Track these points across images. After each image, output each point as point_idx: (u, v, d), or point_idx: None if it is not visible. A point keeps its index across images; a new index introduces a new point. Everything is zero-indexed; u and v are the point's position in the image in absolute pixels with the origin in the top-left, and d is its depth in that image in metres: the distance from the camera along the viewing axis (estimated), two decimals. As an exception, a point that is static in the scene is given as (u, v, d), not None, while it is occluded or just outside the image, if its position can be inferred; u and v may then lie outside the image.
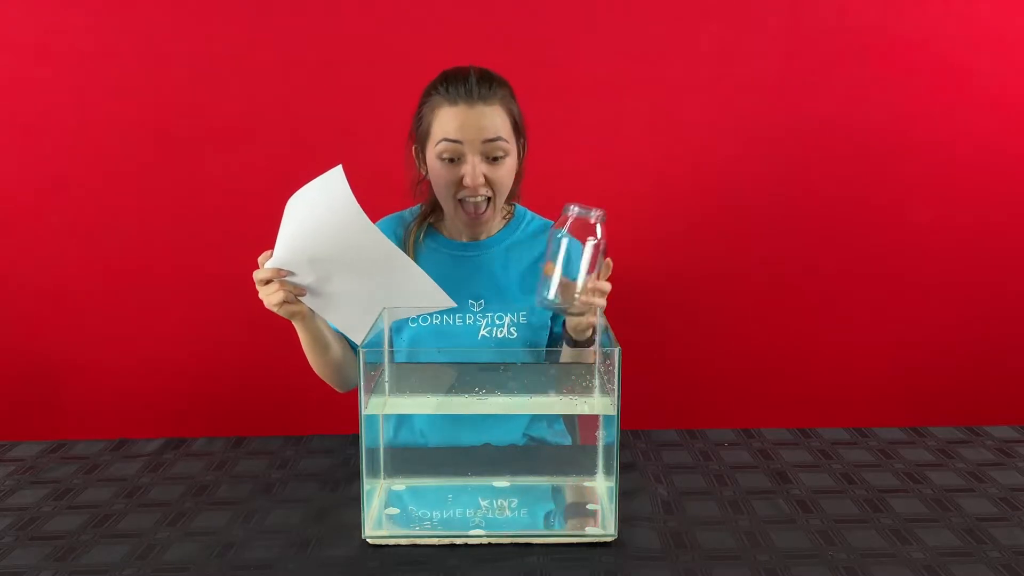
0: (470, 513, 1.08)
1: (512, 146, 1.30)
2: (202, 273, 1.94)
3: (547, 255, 1.13)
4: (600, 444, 1.10)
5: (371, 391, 1.05)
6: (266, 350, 1.89)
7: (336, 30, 1.87)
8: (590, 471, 1.14)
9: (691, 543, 1.02)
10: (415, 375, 1.17)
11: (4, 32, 1.85)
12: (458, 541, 1.01)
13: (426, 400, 1.11)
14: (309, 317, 1.23)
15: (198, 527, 1.07)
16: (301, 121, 1.89)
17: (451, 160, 1.27)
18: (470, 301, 1.35)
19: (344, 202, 1.07)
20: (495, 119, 1.27)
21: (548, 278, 1.12)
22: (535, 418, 1.40)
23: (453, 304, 1.19)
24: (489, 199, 1.31)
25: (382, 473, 1.13)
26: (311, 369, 1.35)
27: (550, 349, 1.39)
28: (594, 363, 1.14)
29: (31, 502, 1.15)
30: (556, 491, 1.16)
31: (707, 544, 1.02)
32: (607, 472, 1.09)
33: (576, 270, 1.12)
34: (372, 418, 1.06)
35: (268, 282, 1.16)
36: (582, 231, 1.12)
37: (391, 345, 1.23)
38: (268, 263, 1.16)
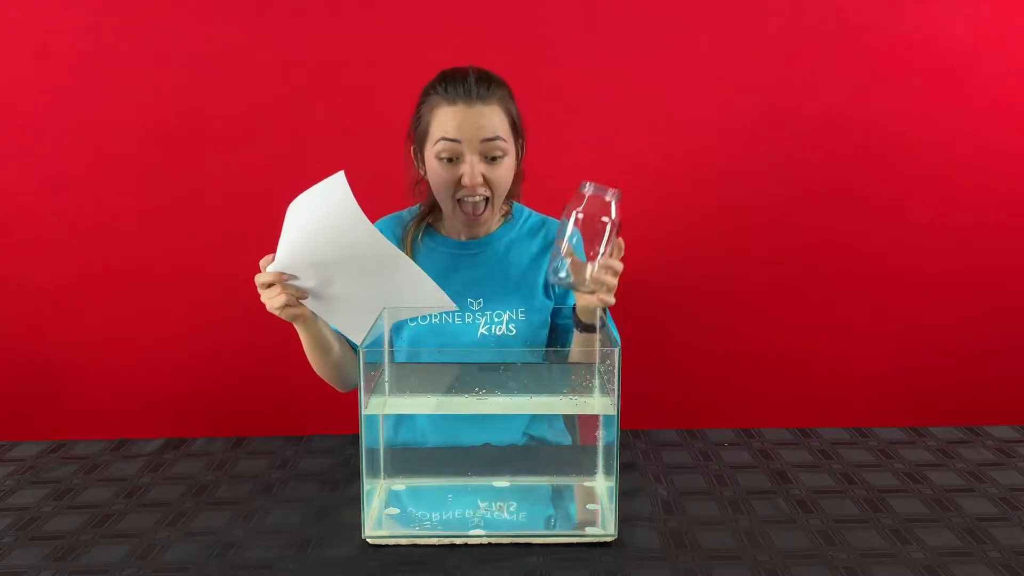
0: (470, 513, 1.08)
1: (510, 146, 1.30)
2: (202, 273, 1.94)
3: (560, 232, 1.12)
4: (600, 444, 1.10)
5: (371, 391, 1.05)
6: (266, 350, 1.89)
7: (336, 30, 1.87)
8: (590, 471, 1.14)
9: (691, 543, 1.02)
10: (415, 375, 1.17)
11: (4, 32, 1.85)
12: (458, 541, 1.01)
13: (426, 400, 1.11)
14: (311, 319, 1.23)
15: (198, 527, 1.07)
16: (301, 121, 1.89)
17: (449, 160, 1.27)
18: (469, 299, 1.35)
19: (346, 207, 1.08)
20: (493, 119, 1.27)
21: (560, 255, 1.11)
22: (535, 417, 1.40)
23: (454, 307, 1.20)
24: (487, 199, 1.31)
25: (382, 473, 1.13)
26: (311, 369, 1.35)
27: (550, 349, 1.39)
28: (595, 362, 1.14)
29: (31, 502, 1.15)
30: (556, 491, 1.16)
31: (707, 544, 1.02)
32: (607, 472, 1.09)
33: (589, 248, 1.11)
34: (372, 418, 1.06)
35: (270, 286, 1.16)
36: (597, 209, 1.11)
37: (391, 345, 1.23)
38: (270, 267, 1.16)
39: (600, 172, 1.88)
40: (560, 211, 1.13)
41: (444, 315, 1.35)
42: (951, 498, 1.13)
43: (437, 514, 1.08)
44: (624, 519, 1.04)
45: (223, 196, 1.92)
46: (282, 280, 1.16)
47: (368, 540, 1.02)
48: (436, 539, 1.02)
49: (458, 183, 1.28)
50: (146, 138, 1.89)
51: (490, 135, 1.26)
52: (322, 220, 1.12)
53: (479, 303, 1.36)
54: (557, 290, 1.41)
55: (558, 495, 1.15)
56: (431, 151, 1.29)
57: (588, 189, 1.11)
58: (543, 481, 1.18)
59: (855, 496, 1.14)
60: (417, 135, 1.33)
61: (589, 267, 1.12)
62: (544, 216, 1.45)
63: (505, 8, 1.87)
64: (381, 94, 1.83)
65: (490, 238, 1.40)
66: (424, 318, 1.35)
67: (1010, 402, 2.01)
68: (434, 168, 1.29)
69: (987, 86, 1.92)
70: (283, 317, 1.19)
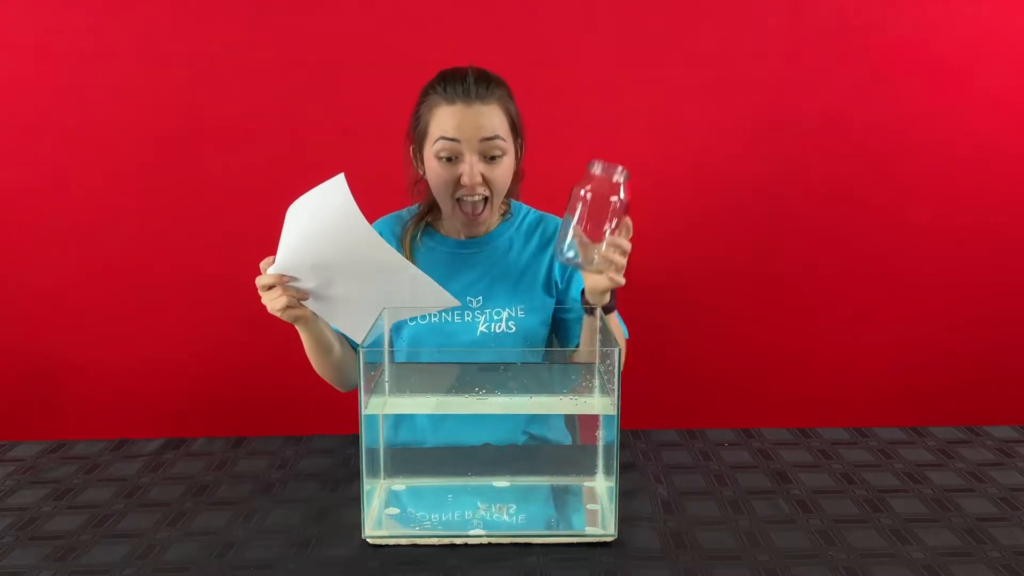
0: (470, 513, 1.08)
1: (509, 145, 1.30)
2: (202, 273, 1.94)
3: (568, 211, 1.11)
4: (600, 444, 1.10)
5: (371, 391, 1.05)
6: (266, 350, 1.89)
7: (336, 30, 1.87)
8: (590, 471, 1.13)
9: (691, 543, 1.02)
10: (415, 375, 1.17)
11: (4, 32, 1.85)
12: (458, 541, 1.01)
13: (426, 400, 1.11)
14: (312, 320, 1.23)
15: (198, 527, 1.07)
16: (301, 121, 1.90)
17: (448, 159, 1.27)
18: (468, 298, 1.36)
19: (346, 209, 1.08)
20: (492, 118, 1.27)
21: (569, 235, 1.10)
22: (535, 415, 1.40)
23: (457, 303, 1.19)
24: (486, 199, 1.31)
25: (382, 473, 1.13)
26: (311, 369, 1.35)
27: (551, 349, 1.39)
28: (595, 362, 1.14)
29: (31, 502, 1.15)
30: (556, 491, 1.16)
31: (707, 544, 1.02)
32: (607, 472, 1.09)
33: (597, 228, 1.10)
34: (372, 418, 1.06)
35: (271, 288, 1.16)
36: (605, 188, 1.10)
37: (391, 345, 1.23)
38: (270, 269, 1.16)
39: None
40: (560, 211, 1.13)
41: (444, 314, 1.35)
42: (951, 498, 1.13)
43: (437, 514, 1.08)
44: (624, 519, 1.04)
45: (223, 196, 1.92)
46: (283, 282, 1.16)
47: (368, 540, 1.02)
48: (436, 539, 1.02)
49: (457, 182, 1.28)
50: (146, 138, 1.89)
51: (489, 134, 1.26)
52: (322, 222, 1.12)
53: (478, 301, 1.36)
54: (559, 286, 1.41)
55: (558, 495, 1.15)
56: (430, 151, 1.29)
57: (596, 168, 1.10)
58: (543, 481, 1.18)
59: (855, 496, 1.14)
60: (416, 135, 1.33)
61: (597, 246, 1.11)
62: (542, 212, 1.45)
63: (505, 8, 1.87)
64: (381, 94, 1.83)
65: (489, 237, 1.40)
66: (424, 317, 1.35)
67: (1010, 402, 2.01)
68: (433, 167, 1.29)
69: (987, 86, 1.92)
70: (284, 318, 1.19)
